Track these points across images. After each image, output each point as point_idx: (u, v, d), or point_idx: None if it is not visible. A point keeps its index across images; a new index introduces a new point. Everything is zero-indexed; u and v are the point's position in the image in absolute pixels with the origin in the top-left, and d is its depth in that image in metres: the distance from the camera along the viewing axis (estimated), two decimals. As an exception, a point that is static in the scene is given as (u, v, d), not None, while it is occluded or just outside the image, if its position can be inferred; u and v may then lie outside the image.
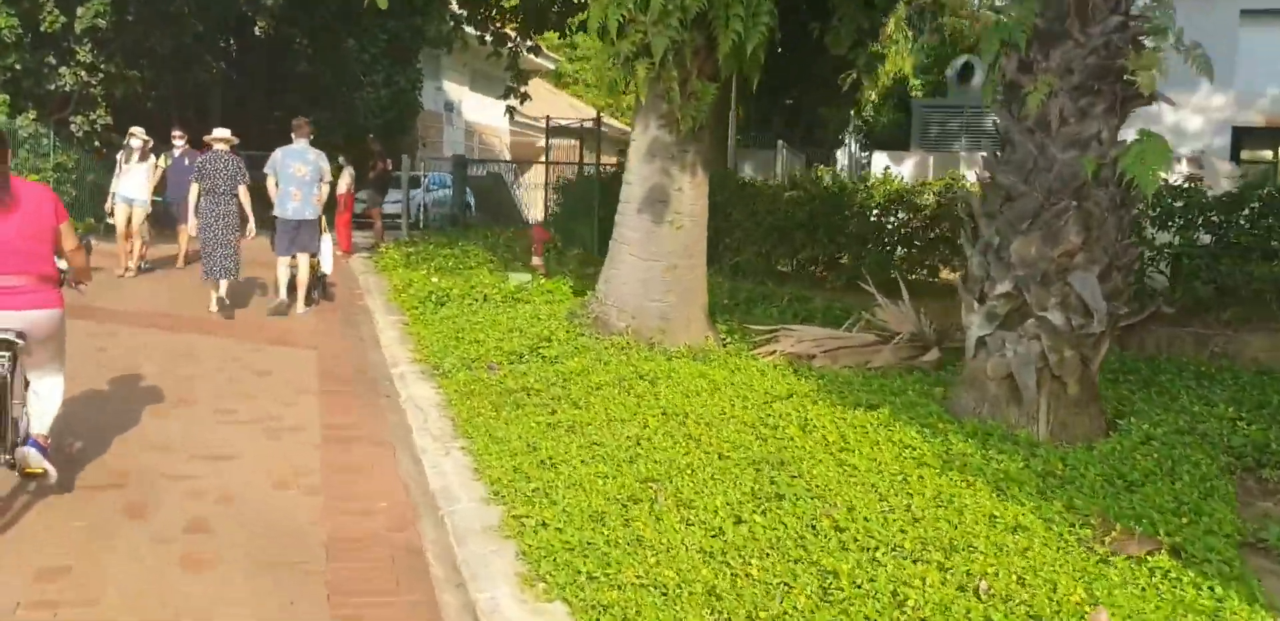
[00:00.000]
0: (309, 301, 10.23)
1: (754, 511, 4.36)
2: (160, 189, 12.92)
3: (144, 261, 12.58)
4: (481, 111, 40.73)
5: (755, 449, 5.23)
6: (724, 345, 8.25)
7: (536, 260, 12.15)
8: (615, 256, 8.47)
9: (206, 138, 10.34)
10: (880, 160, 15.62)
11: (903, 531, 4.14)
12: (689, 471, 4.90)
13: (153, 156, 12.69)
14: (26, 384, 4.66)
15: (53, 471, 4.57)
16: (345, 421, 6.21)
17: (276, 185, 10.02)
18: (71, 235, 4.72)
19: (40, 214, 4.52)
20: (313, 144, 10.31)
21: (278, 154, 10.14)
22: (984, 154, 7.00)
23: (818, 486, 4.66)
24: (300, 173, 10.04)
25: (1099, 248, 5.64)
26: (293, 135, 10.26)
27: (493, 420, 5.97)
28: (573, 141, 46.03)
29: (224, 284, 9.94)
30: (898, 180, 11.12)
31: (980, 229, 5.96)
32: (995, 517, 4.39)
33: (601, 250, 13.60)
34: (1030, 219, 5.68)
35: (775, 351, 7.87)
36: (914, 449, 5.25)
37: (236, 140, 10.37)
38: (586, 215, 14.18)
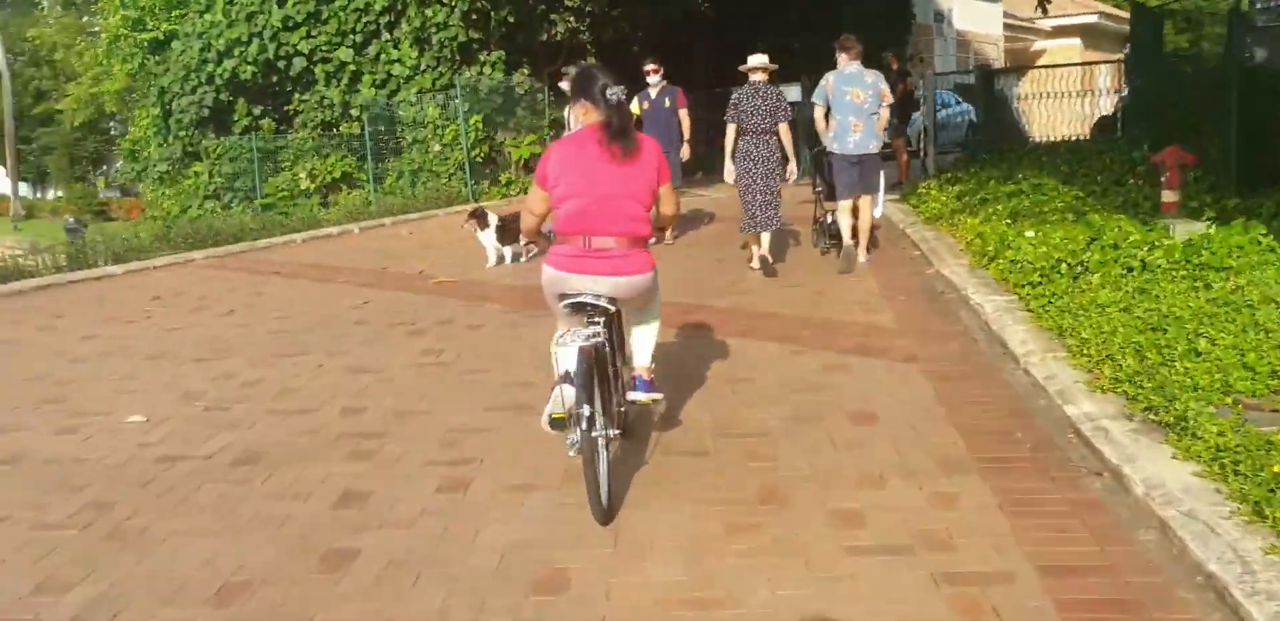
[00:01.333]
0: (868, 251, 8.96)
1: None
2: None
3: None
4: (974, 19, 36.16)
5: None
6: None
7: (1170, 196, 8.47)
8: None
9: (742, 67, 8.68)
10: None
11: None
12: None
13: None
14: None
15: (661, 396, 4.44)
16: (1070, 558, 3.32)
17: (828, 116, 8.46)
18: (672, 198, 4.29)
19: (648, 172, 4.07)
20: (800, 72, 8.93)
21: (830, 79, 8.43)
22: None
23: None
24: (859, 99, 8.34)
25: None
26: (840, 57, 8.52)
27: None
28: (1074, 41, 40.12)
29: (766, 238, 8.78)
30: None
31: None
32: None
33: (1243, 175, 9.62)
34: None
35: None
36: None
37: (775, 66, 8.58)
38: (1212, 124, 10.13)
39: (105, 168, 44.63)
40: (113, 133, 40.76)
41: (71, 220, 23.99)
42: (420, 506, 3.99)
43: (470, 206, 13.10)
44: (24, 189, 46.98)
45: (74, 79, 38.93)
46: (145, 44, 20.54)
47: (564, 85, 10.25)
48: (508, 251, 9.85)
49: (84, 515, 4.03)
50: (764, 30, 20.90)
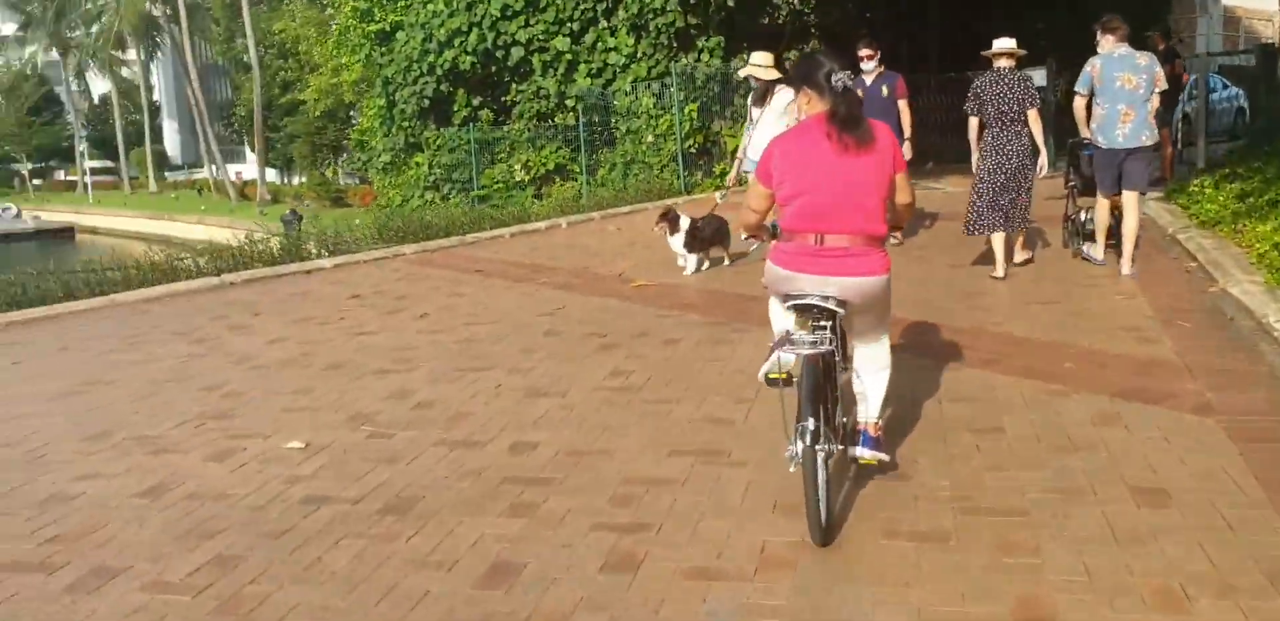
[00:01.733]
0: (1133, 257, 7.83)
1: None
2: None
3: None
4: (1245, -9, 32.68)
5: None
6: None
7: None
8: None
9: (985, 53, 7.88)
10: None
11: None
12: None
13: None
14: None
15: (888, 458, 3.96)
16: None
17: (1091, 104, 7.62)
18: (908, 186, 3.88)
19: (883, 161, 3.69)
20: (1043, 54, 8.07)
21: (1096, 64, 7.54)
22: None
23: None
24: (1131, 85, 7.39)
25: None
26: (1104, 39, 7.63)
27: None
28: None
29: (1018, 239, 8.21)
30: None
31: None
32: None
33: None
34: None
35: None
36: None
37: (1023, 52, 7.75)
38: None
39: (344, 156, 46.85)
40: (351, 122, 42.62)
41: (289, 212, 24.93)
42: (579, 592, 3.25)
43: (667, 204, 12.36)
44: (272, 175, 50.05)
45: (316, 70, 40.87)
46: (372, 35, 20.95)
47: (742, 73, 9.31)
48: (692, 260, 8.88)
49: (204, 574, 3.50)
50: (1003, 9, 19.27)
